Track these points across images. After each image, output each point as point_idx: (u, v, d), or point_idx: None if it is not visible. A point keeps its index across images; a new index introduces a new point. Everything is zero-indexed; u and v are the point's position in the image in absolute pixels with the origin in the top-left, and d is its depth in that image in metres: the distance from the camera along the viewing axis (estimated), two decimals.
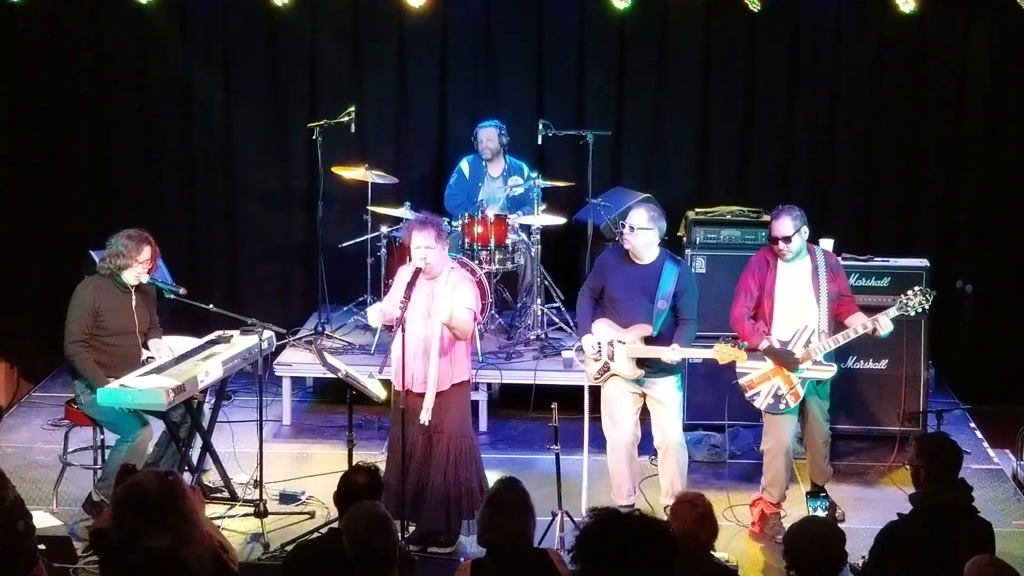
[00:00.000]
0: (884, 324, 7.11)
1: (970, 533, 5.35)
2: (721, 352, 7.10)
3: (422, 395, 6.96)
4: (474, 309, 7.09)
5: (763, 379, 7.22)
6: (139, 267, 7.41)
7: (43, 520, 7.11)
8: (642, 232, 7.17)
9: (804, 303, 7.21)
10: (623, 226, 7.34)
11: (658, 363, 7.12)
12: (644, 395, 7.27)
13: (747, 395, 7.27)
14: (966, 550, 5.06)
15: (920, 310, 7.18)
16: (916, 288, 7.20)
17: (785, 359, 7.14)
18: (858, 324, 7.16)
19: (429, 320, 6.98)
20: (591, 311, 7.37)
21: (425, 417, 6.92)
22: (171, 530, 4.78)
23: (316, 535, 6.91)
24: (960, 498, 5.44)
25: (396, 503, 6.75)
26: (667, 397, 7.23)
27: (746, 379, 7.25)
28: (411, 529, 7.04)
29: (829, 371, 7.20)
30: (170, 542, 4.76)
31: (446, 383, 7.01)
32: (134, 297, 7.48)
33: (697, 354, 7.23)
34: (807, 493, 7.47)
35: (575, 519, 7.04)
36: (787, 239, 7.17)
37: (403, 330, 6.87)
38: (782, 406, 7.20)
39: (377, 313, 7.25)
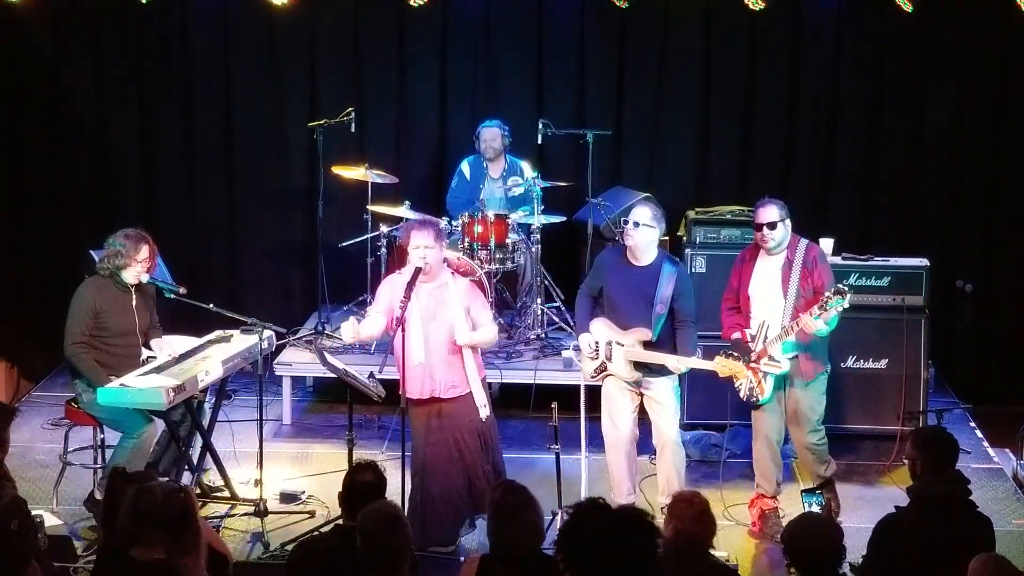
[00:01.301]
0: (805, 322, 6.96)
1: (967, 524, 5.37)
2: (721, 365, 7.12)
3: (448, 400, 7.01)
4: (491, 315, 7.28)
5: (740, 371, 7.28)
6: (138, 266, 7.40)
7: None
8: (645, 229, 7.15)
9: (771, 298, 7.22)
10: (625, 223, 7.33)
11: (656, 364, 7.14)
12: (642, 394, 7.27)
13: (735, 385, 7.32)
14: (963, 540, 5.08)
15: (840, 309, 6.94)
16: (837, 285, 7.01)
17: (740, 353, 7.19)
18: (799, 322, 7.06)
19: (434, 323, 6.98)
20: (589, 310, 7.37)
21: (485, 412, 7.03)
22: (189, 546, 4.84)
23: (317, 534, 6.90)
24: (956, 489, 5.45)
25: (454, 503, 7.04)
26: (664, 397, 7.23)
27: None
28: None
29: (777, 368, 7.14)
30: (168, 556, 4.76)
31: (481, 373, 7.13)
32: (134, 297, 7.48)
33: (699, 365, 7.21)
34: (802, 490, 7.47)
35: None
36: (772, 225, 7.16)
37: (403, 331, 6.86)
38: (754, 399, 7.25)
39: (351, 329, 7.03)
